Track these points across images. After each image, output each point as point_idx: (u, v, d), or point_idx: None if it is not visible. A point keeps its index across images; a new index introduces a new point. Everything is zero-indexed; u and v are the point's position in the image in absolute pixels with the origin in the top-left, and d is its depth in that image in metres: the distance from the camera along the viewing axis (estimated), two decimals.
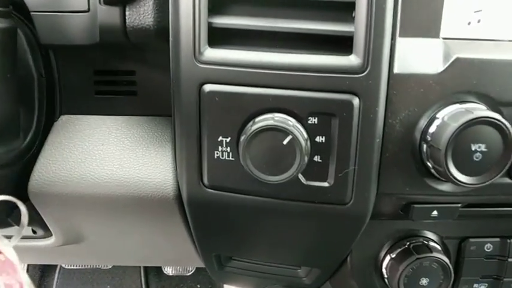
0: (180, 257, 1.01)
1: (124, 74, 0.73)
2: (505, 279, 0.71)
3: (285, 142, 0.51)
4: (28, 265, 1.69)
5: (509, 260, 0.70)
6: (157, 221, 0.77)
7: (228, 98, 0.54)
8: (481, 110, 0.52)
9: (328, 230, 0.64)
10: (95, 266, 1.71)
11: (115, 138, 0.72)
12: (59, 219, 0.78)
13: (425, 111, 0.54)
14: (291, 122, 0.52)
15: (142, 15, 0.61)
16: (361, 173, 0.56)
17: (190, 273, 1.71)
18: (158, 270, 1.72)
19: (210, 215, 0.65)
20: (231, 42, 0.54)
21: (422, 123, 0.55)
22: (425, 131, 0.54)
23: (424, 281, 0.66)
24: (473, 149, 0.51)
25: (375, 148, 0.55)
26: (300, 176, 0.56)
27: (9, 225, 0.71)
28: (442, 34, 0.55)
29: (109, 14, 0.62)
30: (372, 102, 0.53)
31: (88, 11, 0.63)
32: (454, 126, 0.50)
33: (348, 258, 0.71)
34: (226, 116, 0.54)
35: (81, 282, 1.71)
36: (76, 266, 1.71)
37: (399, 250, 0.68)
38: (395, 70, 0.53)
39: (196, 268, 1.71)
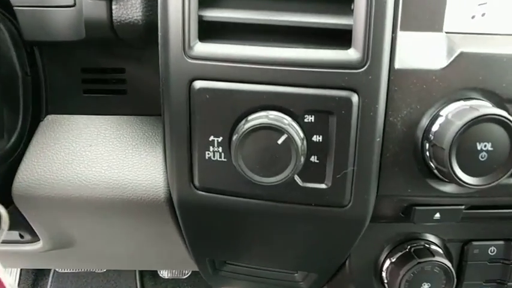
0: (174, 261, 1.00)
1: (113, 71, 0.72)
2: (509, 284, 0.70)
3: (279, 141, 0.50)
4: (21, 269, 1.69)
5: None
6: (149, 225, 0.76)
7: (219, 95, 0.53)
8: (486, 107, 0.51)
9: (325, 233, 0.63)
10: (89, 270, 1.71)
11: (104, 138, 0.70)
12: (45, 223, 0.77)
13: (428, 109, 0.54)
14: (286, 121, 0.51)
15: (129, 9, 0.60)
16: (360, 174, 0.55)
17: (186, 276, 1.72)
18: (154, 273, 1.72)
19: (202, 218, 0.64)
20: (222, 36, 0.53)
21: (425, 121, 0.54)
22: (428, 129, 0.53)
23: (425, 286, 0.66)
24: (478, 148, 0.50)
25: (374, 148, 0.54)
26: (296, 178, 0.55)
27: None
28: (445, 28, 0.54)
29: (95, 8, 0.61)
30: (371, 99, 0.52)
31: (74, 5, 0.62)
32: (458, 124, 0.49)
33: (347, 263, 0.71)
34: (217, 114, 0.54)
35: (76, 286, 1.71)
36: (70, 269, 1.71)
37: (400, 254, 0.68)
38: (397, 65, 0.52)
39: (193, 271, 1.71)
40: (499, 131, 0.50)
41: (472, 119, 0.49)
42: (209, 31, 0.53)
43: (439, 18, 0.54)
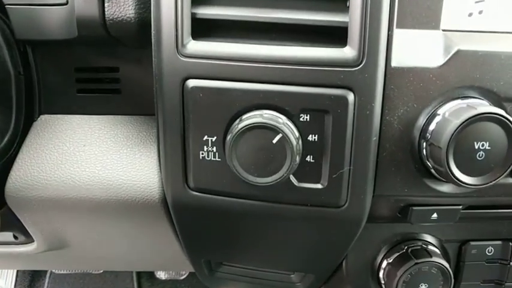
0: (170, 262, 1.00)
1: (107, 71, 0.71)
2: (506, 284, 0.70)
3: (274, 141, 0.50)
4: (17, 270, 1.68)
5: None
6: (144, 225, 0.75)
7: (213, 93, 0.53)
8: (484, 106, 0.51)
9: (322, 234, 0.63)
10: (85, 271, 1.71)
11: (97, 138, 0.70)
12: (39, 224, 0.76)
13: (425, 108, 0.53)
14: (281, 120, 0.51)
15: (122, 6, 0.59)
16: (356, 174, 0.54)
17: (183, 277, 1.72)
18: (151, 274, 1.72)
19: (197, 219, 0.64)
20: (216, 34, 0.53)
21: (422, 120, 0.54)
22: (425, 128, 0.53)
23: (422, 287, 0.65)
24: (476, 147, 0.50)
25: (371, 147, 0.53)
26: (292, 178, 0.55)
27: None
28: (442, 26, 0.54)
29: (87, 6, 0.60)
30: (367, 98, 0.51)
31: (66, 3, 0.62)
32: (455, 123, 0.49)
33: (343, 263, 0.71)
34: (211, 113, 0.53)
35: (72, 287, 1.70)
36: (66, 270, 1.71)
37: (397, 254, 0.67)
38: (393, 63, 0.52)
39: (190, 272, 1.71)
40: (496, 130, 0.50)
41: (469, 118, 0.49)
42: (202, 29, 0.53)
43: (435, 15, 0.53)
